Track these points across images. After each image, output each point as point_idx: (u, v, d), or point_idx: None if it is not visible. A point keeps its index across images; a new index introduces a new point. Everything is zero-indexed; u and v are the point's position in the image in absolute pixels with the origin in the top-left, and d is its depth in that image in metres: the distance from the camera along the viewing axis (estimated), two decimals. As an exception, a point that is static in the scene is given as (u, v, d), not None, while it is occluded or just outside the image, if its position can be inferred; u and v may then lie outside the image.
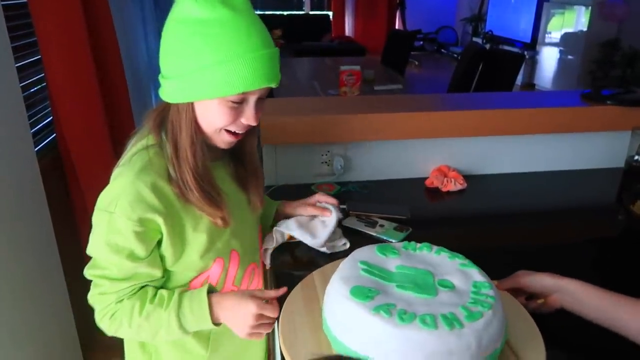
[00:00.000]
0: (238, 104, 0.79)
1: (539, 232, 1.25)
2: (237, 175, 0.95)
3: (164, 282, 0.87)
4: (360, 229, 1.18)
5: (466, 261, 0.82)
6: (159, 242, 0.82)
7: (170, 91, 0.80)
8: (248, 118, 0.81)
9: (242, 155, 0.94)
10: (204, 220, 0.84)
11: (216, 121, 0.80)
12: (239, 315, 0.83)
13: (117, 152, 0.90)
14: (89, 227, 0.81)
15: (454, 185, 1.42)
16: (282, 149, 1.42)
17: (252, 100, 0.80)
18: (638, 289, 0.78)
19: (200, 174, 0.81)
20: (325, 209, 1.09)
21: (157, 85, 0.83)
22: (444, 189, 1.42)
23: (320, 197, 1.13)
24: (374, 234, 1.16)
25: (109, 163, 0.88)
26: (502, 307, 0.74)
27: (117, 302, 0.82)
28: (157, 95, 0.85)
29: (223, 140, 0.84)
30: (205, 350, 0.93)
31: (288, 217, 1.11)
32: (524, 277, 0.84)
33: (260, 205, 0.98)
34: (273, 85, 0.80)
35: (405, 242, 0.87)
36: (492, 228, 1.26)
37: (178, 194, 0.80)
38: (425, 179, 1.47)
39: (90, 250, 0.81)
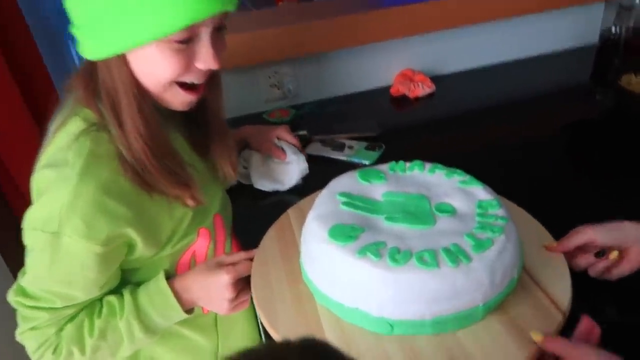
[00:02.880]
0: (185, 44, 0.59)
1: (520, 126, 1.13)
2: (195, 142, 0.75)
3: (137, 276, 0.71)
4: (327, 155, 1.03)
5: (466, 177, 0.68)
6: (129, 250, 0.65)
7: (89, 45, 0.58)
8: (205, 60, 0.61)
9: (204, 117, 0.74)
10: (178, 203, 0.68)
11: (160, 72, 0.60)
12: (212, 291, 0.68)
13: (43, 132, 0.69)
14: None
15: (422, 89, 1.26)
16: (223, 75, 1.19)
17: (204, 34, 0.60)
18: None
19: (158, 148, 0.62)
20: (280, 150, 0.95)
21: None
22: (412, 95, 1.26)
23: (281, 133, 0.98)
24: (343, 157, 1.02)
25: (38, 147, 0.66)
26: (515, 228, 0.61)
27: (58, 332, 0.64)
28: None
29: (178, 100, 0.64)
30: (214, 342, 0.79)
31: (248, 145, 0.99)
32: (591, 231, 0.62)
33: (234, 174, 0.80)
34: (230, 9, 0.59)
35: (392, 163, 0.73)
36: (472, 130, 1.13)
37: (139, 182, 0.62)
38: (389, 87, 1.31)
39: (27, 281, 0.62)
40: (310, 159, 1.00)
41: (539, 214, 0.71)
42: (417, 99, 1.26)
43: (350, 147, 1.04)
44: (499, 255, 0.55)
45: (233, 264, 0.70)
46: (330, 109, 1.26)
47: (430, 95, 1.27)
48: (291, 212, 0.79)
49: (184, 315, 0.68)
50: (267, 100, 1.27)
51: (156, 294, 0.67)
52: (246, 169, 0.96)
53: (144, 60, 0.60)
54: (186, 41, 0.59)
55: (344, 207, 0.64)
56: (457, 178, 0.68)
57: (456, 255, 0.54)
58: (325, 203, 0.65)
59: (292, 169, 0.95)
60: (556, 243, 0.64)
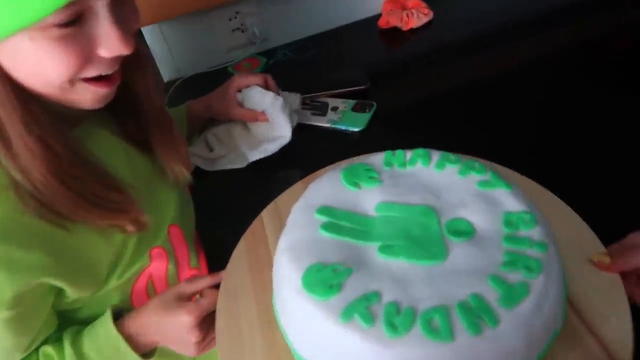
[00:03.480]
0: (73, 26, 0.41)
1: (534, 48, 0.93)
2: (131, 137, 0.59)
3: (81, 313, 0.58)
4: (306, 122, 0.84)
5: (487, 174, 0.50)
6: (58, 297, 0.52)
7: None
8: (108, 44, 0.43)
9: (133, 106, 0.57)
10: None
11: (47, 72, 0.43)
12: (174, 334, 0.55)
13: None
14: None
15: (417, 18, 1.02)
16: (170, 27, 0.98)
17: (101, 7, 0.42)
18: None
19: (68, 170, 0.46)
20: (252, 112, 0.76)
21: None
22: (406, 28, 1.02)
23: (239, 80, 0.79)
24: (327, 124, 0.83)
25: None
26: (558, 255, 0.44)
27: None
28: None
29: (88, 97, 0.48)
30: None
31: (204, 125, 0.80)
32: None
33: (187, 170, 0.64)
34: None
35: (388, 154, 0.55)
36: (482, 60, 0.92)
37: (49, 217, 0.46)
38: (377, 18, 1.06)
39: None
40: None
41: (569, 178, 0.55)
42: (412, 31, 1.02)
43: (335, 109, 0.85)
44: (538, 309, 0.40)
45: (196, 293, 0.56)
46: (308, 54, 1.04)
47: (427, 25, 1.03)
48: (265, 215, 0.62)
49: None
50: (230, 49, 1.04)
51: (104, 342, 0.54)
52: (212, 151, 0.79)
53: (20, 59, 0.42)
54: (73, 22, 0.41)
55: (325, 233, 0.47)
56: (476, 177, 0.50)
57: (477, 315, 0.39)
58: (300, 225, 0.49)
59: (278, 122, 0.77)
60: (607, 257, 0.48)
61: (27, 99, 0.44)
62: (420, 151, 0.54)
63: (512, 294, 0.40)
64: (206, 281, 0.57)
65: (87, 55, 0.43)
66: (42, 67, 0.42)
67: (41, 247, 0.46)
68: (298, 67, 0.99)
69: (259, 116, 0.78)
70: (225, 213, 0.73)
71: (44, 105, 0.45)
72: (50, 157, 0.45)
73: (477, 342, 0.38)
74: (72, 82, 0.45)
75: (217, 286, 0.56)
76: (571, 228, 0.52)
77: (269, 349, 0.48)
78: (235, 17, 1.00)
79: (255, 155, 0.78)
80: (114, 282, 0.55)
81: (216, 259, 0.63)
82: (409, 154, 0.54)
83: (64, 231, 0.48)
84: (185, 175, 0.63)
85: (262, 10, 1.02)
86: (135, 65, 0.52)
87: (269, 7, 1.02)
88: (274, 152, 0.78)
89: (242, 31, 1.03)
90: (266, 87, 0.80)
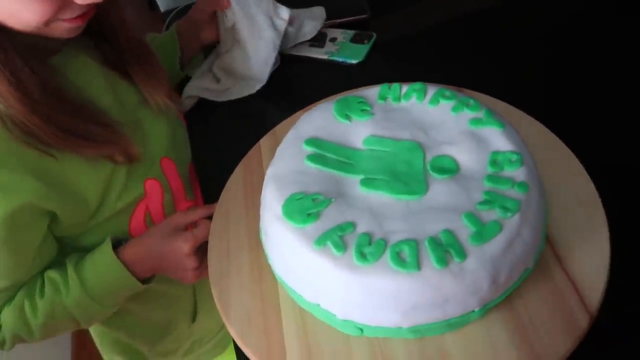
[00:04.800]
0: None
1: None
2: (108, 59, 0.60)
3: (82, 241, 0.60)
4: (302, 54, 0.82)
5: (481, 111, 0.49)
6: (52, 222, 0.55)
7: None
8: None
9: (108, 31, 0.58)
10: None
11: (22, 16, 0.44)
12: (171, 262, 0.57)
13: None
14: None
15: None
16: None
17: None
18: None
19: (53, 103, 0.48)
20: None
21: None
22: None
23: None
24: (325, 56, 0.80)
25: None
26: (539, 193, 0.44)
27: None
28: None
29: (61, 31, 0.49)
30: (190, 291, 0.72)
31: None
32: None
33: (168, 98, 0.64)
34: None
35: (383, 87, 0.54)
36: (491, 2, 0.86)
37: (36, 147, 0.48)
38: None
39: None
40: (283, 60, 0.81)
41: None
42: None
43: (333, 40, 0.82)
44: (507, 249, 0.40)
45: (192, 223, 0.59)
46: None
47: None
48: (263, 142, 0.63)
49: (142, 287, 0.59)
50: None
51: (104, 268, 0.57)
52: (219, 82, 0.78)
53: None
54: None
55: (310, 163, 0.48)
56: (468, 114, 0.49)
57: (446, 249, 0.40)
58: (288, 155, 0.50)
59: (260, 39, 0.76)
60: None
61: (3, 32, 0.45)
62: (416, 85, 0.52)
63: (483, 232, 0.40)
64: (201, 212, 0.59)
65: (61, 2, 0.45)
66: (17, 10, 0.44)
67: (30, 171, 0.48)
68: None
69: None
70: (225, 145, 0.74)
71: (14, 37, 0.46)
72: (25, 93, 0.46)
73: (442, 274, 0.39)
74: (47, 22, 0.46)
75: (211, 217, 0.58)
76: (566, 171, 0.51)
77: (254, 268, 0.51)
78: None
79: (257, 84, 0.77)
80: (107, 212, 0.57)
81: (213, 191, 0.65)
82: (404, 87, 0.53)
83: (51, 158, 0.50)
84: (168, 106, 0.63)
85: None
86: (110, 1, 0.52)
87: None
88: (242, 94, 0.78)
89: None
90: None
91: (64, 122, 0.49)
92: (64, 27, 0.48)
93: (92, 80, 0.56)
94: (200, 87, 0.79)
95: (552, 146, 0.53)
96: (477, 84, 0.61)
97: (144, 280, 0.59)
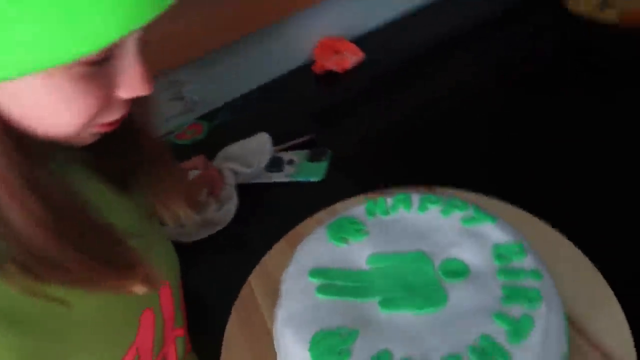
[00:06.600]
0: (100, 65, 0.35)
1: (479, 67, 0.99)
2: (104, 168, 0.51)
3: None
4: (265, 181, 0.84)
5: (469, 210, 0.51)
6: None
7: None
8: (131, 83, 0.38)
9: (130, 141, 0.50)
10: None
11: (59, 115, 0.36)
12: None
13: None
14: None
15: (351, 59, 1.06)
16: None
17: (131, 41, 0.36)
18: None
19: (70, 223, 0.38)
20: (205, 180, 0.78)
21: None
22: (341, 70, 1.05)
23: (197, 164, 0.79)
24: (286, 179, 0.83)
25: None
26: (551, 279, 0.46)
27: None
28: None
29: (85, 137, 0.42)
30: None
31: None
32: None
33: (192, 209, 0.57)
34: (163, 9, 0.34)
35: (370, 204, 0.55)
36: (426, 91, 0.97)
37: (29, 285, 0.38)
38: (309, 65, 1.10)
39: None
40: (243, 190, 0.82)
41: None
42: (347, 72, 1.05)
43: (291, 162, 0.85)
44: (545, 338, 0.40)
45: None
46: (247, 109, 1.04)
47: (361, 65, 1.07)
48: (253, 281, 0.61)
49: None
50: (169, 119, 1.02)
51: None
52: (183, 226, 0.77)
53: (24, 98, 0.35)
54: (100, 61, 0.35)
55: (322, 297, 0.47)
56: (459, 214, 0.51)
57: (490, 356, 0.39)
58: (296, 292, 0.48)
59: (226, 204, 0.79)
60: None
61: (16, 134, 0.36)
62: (399, 196, 0.55)
63: (518, 328, 0.40)
64: None
65: (106, 96, 0.38)
66: (54, 110, 0.36)
67: (20, 333, 0.38)
68: (242, 126, 0.99)
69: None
70: (203, 267, 0.72)
71: (31, 142, 0.37)
72: (49, 209, 0.37)
73: (496, 383, 0.38)
74: (85, 126, 0.38)
75: None
76: (556, 247, 0.54)
77: None
78: (171, 86, 0.99)
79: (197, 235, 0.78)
80: None
81: (195, 312, 0.61)
82: (389, 200, 0.55)
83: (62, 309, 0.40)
84: (191, 217, 0.56)
85: (194, 76, 1.01)
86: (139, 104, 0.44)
87: (200, 71, 1.02)
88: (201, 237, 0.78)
89: (180, 99, 1.02)
90: (204, 167, 0.81)
91: (88, 246, 0.39)
92: (91, 133, 0.41)
93: (94, 193, 0.47)
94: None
95: (533, 225, 0.57)
96: (436, 177, 0.65)
97: None
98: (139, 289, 0.44)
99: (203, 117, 1.04)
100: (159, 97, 1.00)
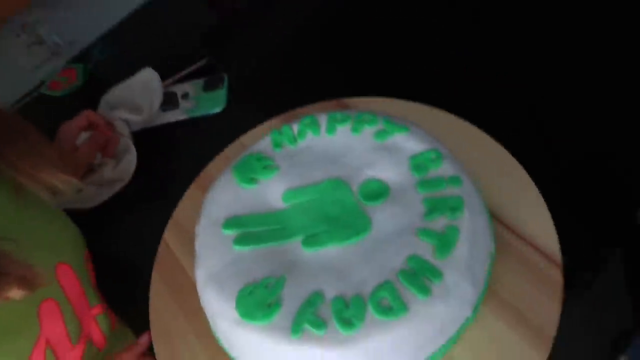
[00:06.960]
0: None
1: None
2: None
3: None
4: (159, 122, 0.76)
5: (380, 123, 0.47)
6: None
7: None
8: None
9: None
10: None
11: None
12: None
13: None
14: None
15: None
16: None
17: None
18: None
19: None
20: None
21: None
22: None
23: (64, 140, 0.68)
24: (185, 116, 0.75)
25: None
26: (472, 182, 0.44)
27: None
28: None
29: None
30: None
31: None
32: None
33: (62, 172, 0.50)
34: None
35: (273, 134, 0.50)
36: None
37: None
38: None
39: None
40: (139, 138, 0.73)
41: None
42: None
43: (186, 96, 0.76)
44: (473, 246, 0.39)
45: None
46: (125, 44, 0.91)
47: None
48: (168, 237, 0.56)
49: None
50: (36, 68, 0.88)
51: None
52: (80, 191, 0.69)
53: None
54: None
55: (240, 249, 0.43)
56: (370, 129, 0.48)
57: (422, 275, 0.38)
58: (212, 248, 0.44)
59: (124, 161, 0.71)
60: None
61: None
62: (306, 120, 0.50)
63: (445, 242, 0.39)
64: (136, 350, 0.50)
65: None
66: None
67: None
68: (122, 63, 0.86)
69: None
70: (114, 231, 0.66)
71: None
72: None
73: (431, 303, 0.37)
74: None
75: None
76: (474, 141, 0.52)
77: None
78: (25, 30, 0.84)
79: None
80: None
81: (119, 288, 0.57)
82: (295, 126, 0.50)
83: None
84: (69, 182, 0.50)
85: (50, 13, 0.85)
86: None
87: (56, 4, 0.86)
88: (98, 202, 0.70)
89: (41, 43, 0.87)
90: (91, 126, 0.70)
91: None
92: None
93: None
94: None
95: (457, 126, 0.54)
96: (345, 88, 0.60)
97: None
98: (16, 294, 0.39)
99: (75, 61, 0.90)
100: (15, 45, 0.85)
